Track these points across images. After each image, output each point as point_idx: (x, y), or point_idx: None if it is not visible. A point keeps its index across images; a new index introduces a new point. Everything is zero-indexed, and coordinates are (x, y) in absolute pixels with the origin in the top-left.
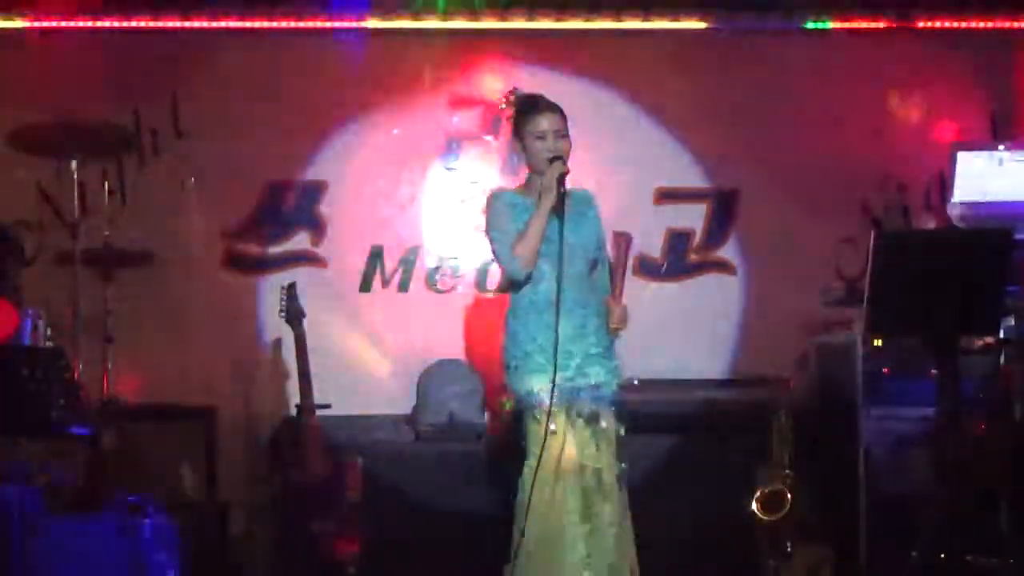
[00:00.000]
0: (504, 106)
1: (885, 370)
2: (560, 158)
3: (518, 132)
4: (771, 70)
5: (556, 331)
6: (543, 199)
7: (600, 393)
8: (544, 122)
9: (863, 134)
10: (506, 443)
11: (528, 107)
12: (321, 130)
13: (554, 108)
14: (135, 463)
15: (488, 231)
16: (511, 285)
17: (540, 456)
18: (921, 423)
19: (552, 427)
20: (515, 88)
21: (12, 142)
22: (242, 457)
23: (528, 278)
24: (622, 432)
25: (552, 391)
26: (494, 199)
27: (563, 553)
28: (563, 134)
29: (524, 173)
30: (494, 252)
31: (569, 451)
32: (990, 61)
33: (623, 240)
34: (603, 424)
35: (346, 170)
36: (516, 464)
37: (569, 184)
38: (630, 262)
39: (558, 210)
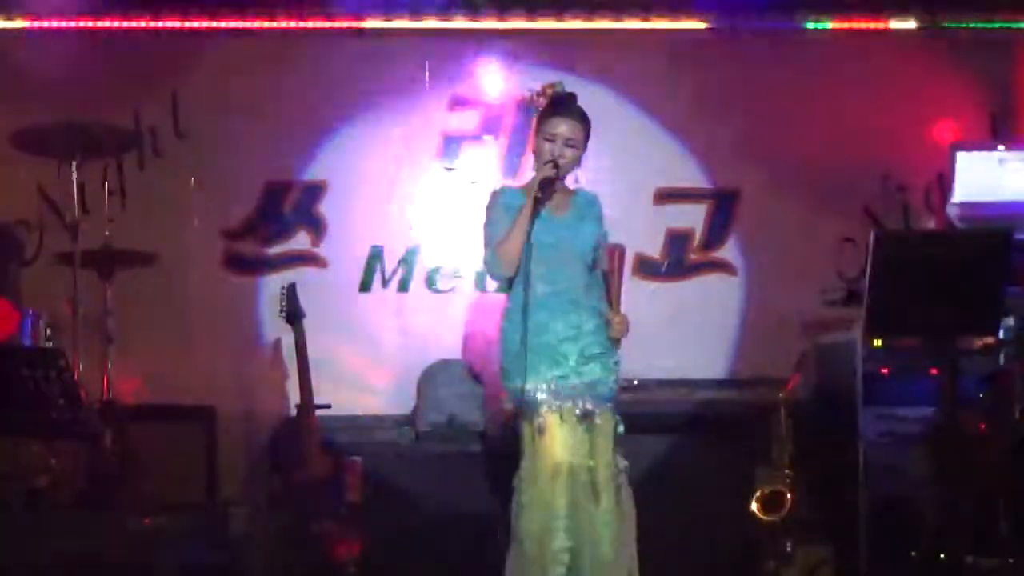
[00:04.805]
0: (537, 96)
1: (885, 370)
2: (555, 163)
3: (537, 128)
4: (771, 70)
5: (524, 332)
6: (528, 202)
7: (597, 391)
8: (560, 126)
9: (863, 134)
10: (506, 443)
11: (553, 107)
12: (321, 130)
13: (576, 116)
14: (135, 463)
15: (483, 229)
16: (503, 284)
17: (532, 456)
18: (921, 423)
19: (541, 426)
20: (557, 82)
21: (12, 142)
22: (242, 457)
23: (512, 280)
24: (620, 430)
25: (522, 392)
26: (492, 197)
27: (549, 552)
28: (573, 144)
29: (525, 171)
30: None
31: (560, 451)
32: (990, 61)
33: (617, 252)
34: (598, 422)
35: (346, 170)
36: (515, 464)
37: (574, 185)
38: (629, 262)
39: (536, 212)
